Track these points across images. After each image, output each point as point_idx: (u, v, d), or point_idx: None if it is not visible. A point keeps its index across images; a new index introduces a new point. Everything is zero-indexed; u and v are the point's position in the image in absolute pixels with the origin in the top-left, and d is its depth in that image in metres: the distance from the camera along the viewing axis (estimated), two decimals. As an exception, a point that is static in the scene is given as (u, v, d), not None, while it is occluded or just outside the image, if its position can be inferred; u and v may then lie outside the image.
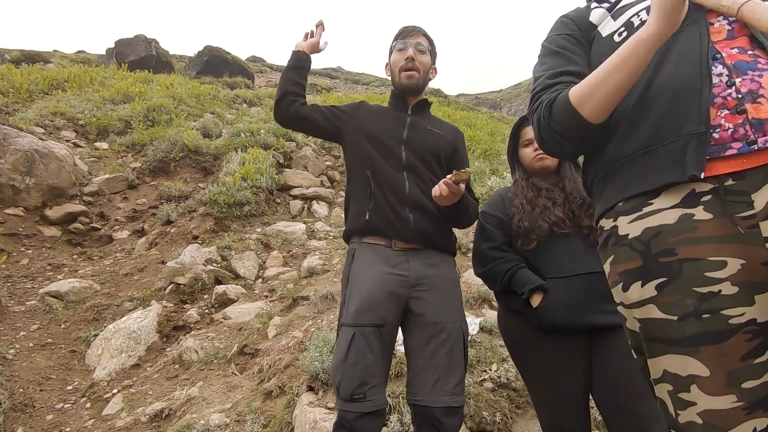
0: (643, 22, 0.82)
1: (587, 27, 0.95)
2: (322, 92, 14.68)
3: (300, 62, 1.59)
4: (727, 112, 0.72)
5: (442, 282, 1.40)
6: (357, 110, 1.60)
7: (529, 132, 1.53)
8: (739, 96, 0.71)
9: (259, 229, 5.70)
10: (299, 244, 5.52)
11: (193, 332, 3.52)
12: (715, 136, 0.72)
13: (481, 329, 2.64)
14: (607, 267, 0.85)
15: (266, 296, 4.17)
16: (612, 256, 0.82)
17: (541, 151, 1.45)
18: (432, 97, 14.83)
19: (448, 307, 1.38)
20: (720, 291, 0.69)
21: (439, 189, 1.35)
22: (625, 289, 0.79)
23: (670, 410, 0.75)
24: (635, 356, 0.83)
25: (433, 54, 1.58)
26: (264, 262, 5.05)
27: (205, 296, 4.12)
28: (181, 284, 4.10)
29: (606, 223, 0.85)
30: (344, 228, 1.51)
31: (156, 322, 3.48)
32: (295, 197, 6.91)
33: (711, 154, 0.71)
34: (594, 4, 0.98)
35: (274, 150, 7.18)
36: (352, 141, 1.54)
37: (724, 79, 0.73)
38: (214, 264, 4.58)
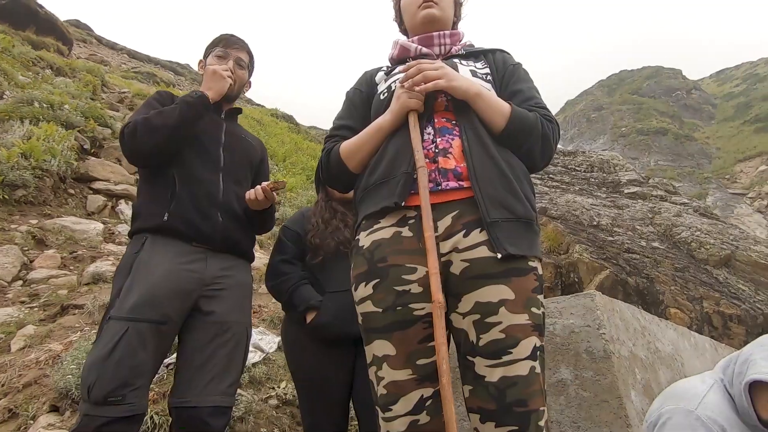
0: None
1: (372, 84, 1.20)
2: (160, 85, 13.12)
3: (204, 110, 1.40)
4: (428, 161, 0.98)
5: (237, 284, 1.39)
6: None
7: None
8: (436, 151, 0.99)
9: (34, 221, 4.62)
10: (90, 245, 4.66)
11: None
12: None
13: (279, 348, 2.64)
14: (351, 273, 1.03)
15: (23, 302, 3.34)
16: (353, 263, 1.02)
17: None
18: (283, 123, 14.72)
19: (239, 309, 1.37)
20: (410, 290, 0.91)
21: (255, 193, 1.39)
22: (356, 289, 0.98)
23: (375, 388, 0.92)
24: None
25: (251, 69, 1.63)
26: (31, 262, 4.07)
27: None
28: None
29: (355, 238, 1.05)
30: (131, 226, 1.36)
31: None
32: (96, 191, 5.86)
33: (415, 190, 0.95)
34: (384, 67, 1.25)
35: (78, 132, 6.02)
36: None
37: (431, 137, 1.01)
38: (-52, 254, 3.49)
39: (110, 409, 1.07)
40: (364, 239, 0.99)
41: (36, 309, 3.16)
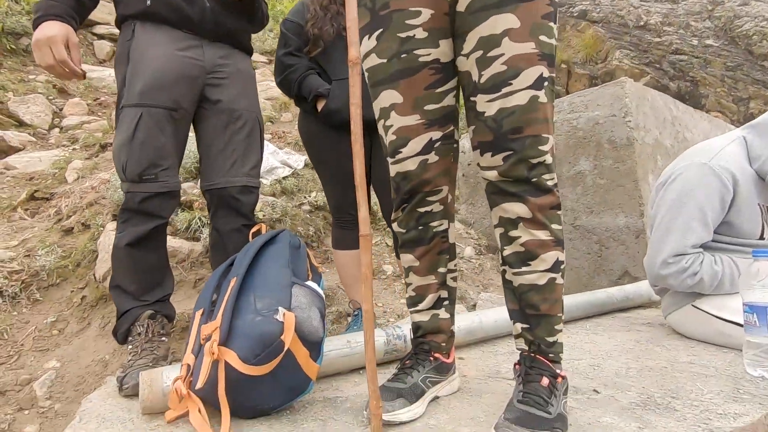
0: None
1: None
2: None
3: None
4: None
5: (239, 73, 1.37)
6: None
7: None
8: None
9: (49, 71, 4.57)
10: (111, 91, 4.67)
11: (-39, 183, 2.86)
12: None
13: (306, 165, 2.77)
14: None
15: (65, 145, 3.55)
16: (358, 18, 0.92)
17: None
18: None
19: (245, 97, 1.37)
20: (414, 35, 0.85)
21: None
22: (361, 44, 0.92)
23: (385, 139, 0.94)
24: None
25: None
26: (61, 110, 4.19)
27: (-26, 143, 3.30)
28: (-70, 127, 3.17)
29: None
30: (116, 14, 1.29)
31: None
32: (100, 36, 5.61)
33: None
34: None
35: (60, -33, 5.44)
36: None
37: None
38: (-18, 105, 3.61)
39: (147, 186, 1.18)
40: None
41: (78, 149, 3.37)
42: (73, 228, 2.23)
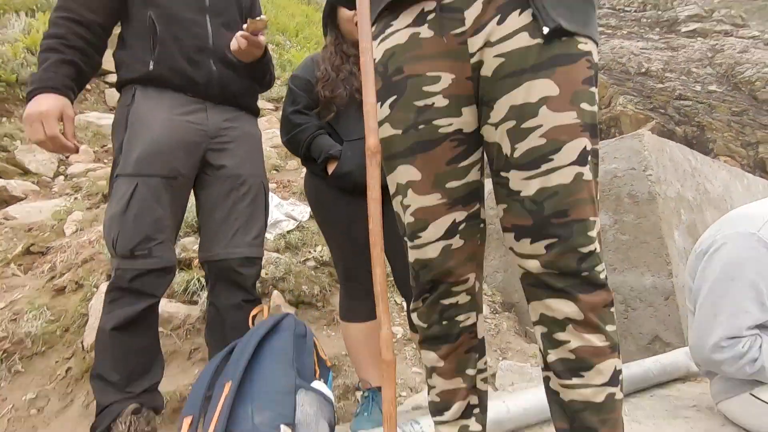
0: None
1: None
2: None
3: None
4: None
5: (244, 135, 1.31)
6: None
7: None
8: None
9: (58, 119, 4.63)
10: (117, 139, 4.69)
11: (-44, 235, 2.78)
12: None
13: (311, 216, 2.68)
14: None
15: (68, 194, 3.50)
16: None
17: None
18: (289, -9, 13.27)
19: (251, 162, 1.30)
20: (434, 104, 0.76)
21: (237, 43, 1.21)
22: None
23: (402, 218, 0.84)
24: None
25: None
26: (67, 157, 4.19)
27: (-25, 193, 3.25)
28: (-68, 178, 3.14)
29: None
30: (117, 78, 1.24)
31: None
32: (112, 85, 5.74)
33: None
34: None
35: (76, 20, 5.65)
36: None
37: None
38: (-12, 155, 3.60)
39: (139, 262, 1.08)
40: (376, 50, 0.81)
41: (80, 199, 3.31)
42: (65, 287, 2.12)
